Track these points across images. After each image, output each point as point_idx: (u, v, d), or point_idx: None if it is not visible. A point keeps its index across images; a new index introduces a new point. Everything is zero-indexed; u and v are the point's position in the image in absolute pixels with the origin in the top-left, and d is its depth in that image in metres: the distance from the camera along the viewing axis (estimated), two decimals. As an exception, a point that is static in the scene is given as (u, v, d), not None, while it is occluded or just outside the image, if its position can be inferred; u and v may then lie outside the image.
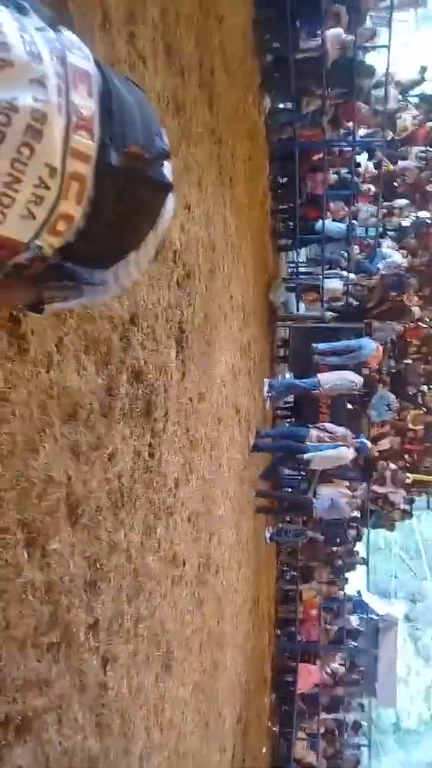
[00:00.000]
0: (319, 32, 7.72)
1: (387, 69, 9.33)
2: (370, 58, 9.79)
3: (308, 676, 10.90)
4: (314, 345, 9.18)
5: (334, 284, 10.23)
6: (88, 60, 1.06)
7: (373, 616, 14.77)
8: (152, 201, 1.19)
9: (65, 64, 1.01)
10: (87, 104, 1.01)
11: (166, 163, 1.20)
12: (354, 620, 12.93)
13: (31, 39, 0.97)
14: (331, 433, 8.11)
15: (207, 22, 4.94)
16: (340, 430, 8.22)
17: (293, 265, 11.32)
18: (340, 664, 11.94)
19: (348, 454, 7.92)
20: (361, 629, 13.27)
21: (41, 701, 2.40)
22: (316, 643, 11.03)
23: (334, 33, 7.84)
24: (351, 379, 8.67)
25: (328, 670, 11.52)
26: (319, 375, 8.78)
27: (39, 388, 2.41)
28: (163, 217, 1.24)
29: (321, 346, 9.19)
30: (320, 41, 7.72)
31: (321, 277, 10.13)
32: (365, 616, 13.49)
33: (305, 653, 11.22)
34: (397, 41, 9.68)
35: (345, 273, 10.11)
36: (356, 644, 12.69)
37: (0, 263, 1.08)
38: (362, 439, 8.45)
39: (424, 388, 11.10)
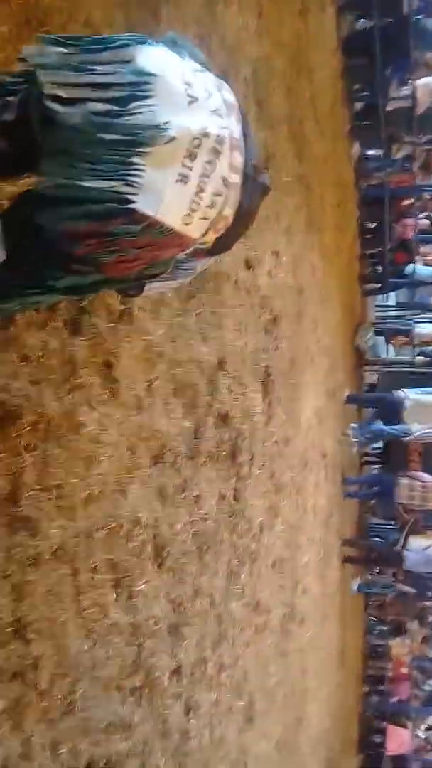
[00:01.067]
0: (409, 80, 7.75)
1: None
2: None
3: (398, 740, 10.32)
4: (401, 392, 8.89)
5: (426, 329, 9.99)
6: (231, 93, 1.32)
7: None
8: (260, 203, 1.45)
9: (223, 98, 1.27)
10: (237, 129, 1.28)
11: None
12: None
13: (202, 79, 1.25)
14: (423, 482, 7.81)
15: (297, 75, 5.07)
16: None
17: (382, 309, 11.15)
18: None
19: None
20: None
21: (125, 745, 2.40)
22: (406, 703, 10.45)
23: (425, 81, 7.84)
24: None
25: (420, 734, 10.86)
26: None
27: (129, 430, 2.47)
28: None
29: (410, 392, 8.91)
30: (410, 89, 7.74)
31: (411, 321, 9.92)
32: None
33: (394, 714, 10.65)
34: None
35: None
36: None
37: (170, 260, 1.31)
38: None
39: None
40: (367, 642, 11.00)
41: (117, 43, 1.23)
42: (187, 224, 1.22)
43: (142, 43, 1.24)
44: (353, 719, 9.56)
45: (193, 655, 3.06)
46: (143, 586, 2.57)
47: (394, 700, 10.47)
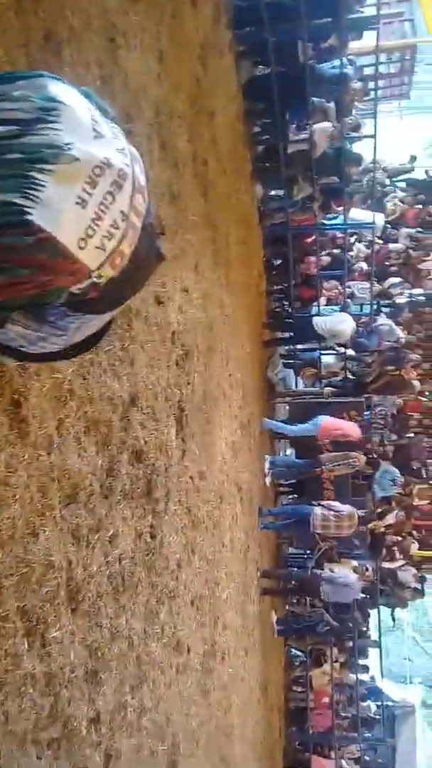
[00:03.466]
0: (307, 125, 8.11)
1: (374, 157, 9.77)
2: (357, 147, 10.26)
3: (322, 771, 10.30)
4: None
5: (331, 359, 10.32)
6: (134, 149, 1.36)
7: (389, 703, 14.06)
8: (151, 269, 1.44)
9: (128, 146, 1.31)
10: (142, 178, 1.32)
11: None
12: (369, 708, 12.33)
13: (109, 125, 1.30)
14: (336, 511, 8.01)
15: (199, 117, 5.22)
16: (346, 508, 8.12)
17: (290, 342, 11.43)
18: (356, 757, 11.30)
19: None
20: (377, 717, 12.62)
21: (41, 803, 2.28)
22: (329, 733, 10.48)
23: (322, 126, 8.23)
24: (353, 455, 8.60)
25: (343, 764, 10.89)
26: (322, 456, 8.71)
27: (40, 470, 2.41)
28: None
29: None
30: (308, 133, 8.10)
31: (318, 353, 10.23)
32: (380, 703, 12.83)
33: (318, 745, 10.64)
34: (382, 130, 10.14)
35: (342, 349, 10.18)
36: (372, 734, 12.04)
37: (63, 288, 1.27)
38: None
39: (429, 461, 11.01)
40: (288, 674, 11.01)
41: (32, 75, 1.27)
42: (82, 248, 1.22)
43: (57, 80, 1.28)
44: (278, 753, 9.48)
45: (113, 700, 2.97)
46: (57, 632, 2.48)
47: (317, 730, 10.48)
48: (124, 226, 1.26)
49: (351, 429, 8.76)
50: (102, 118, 1.30)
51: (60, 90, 1.24)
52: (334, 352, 10.38)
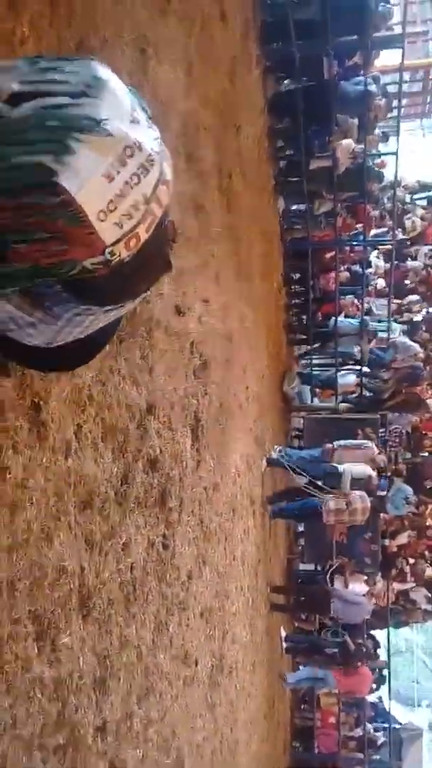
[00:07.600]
0: (330, 141, 8.14)
1: (395, 174, 9.79)
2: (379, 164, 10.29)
3: (327, 793, 10.16)
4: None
5: (348, 379, 10.24)
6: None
7: (396, 726, 13.86)
8: (156, 272, 1.45)
9: (162, 144, 1.35)
10: (169, 172, 1.35)
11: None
12: (376, 729, 12.15)
13: (148, 119, 1.36)
14: (349, 497, 7.91)
15: (225, 131, 5.26)
16: (357, 492, 8.00)
17: (307, 357, 11.38)
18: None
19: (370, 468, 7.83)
20: (384, 739, 12.43)
21: (46, 810, 2.26)
22: (334, 754, 10.34)
23: (345, 144, 8.27)
24: (367, 472, 8.45)
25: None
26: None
27: (57, 475, 2.41)
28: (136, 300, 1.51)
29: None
30: (331, 150, 8.13)
31: (335, 373, 10.14)
32: (387, 725, 12.65)
33: (323, 764, 10.50)
34: (404, 148, 10.18)
35: (358, 367, 10.14)
36: (378, 756, 11.86)
37: (77, 261, 1.29)
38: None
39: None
40: (296, 691, 10.89)
41: (84, 58, 1.36)
42: (101, 221, 1.24)
43: (105, 67, 1.35)
44: (282, 772, 9.37)
45: (119, 710, 2.95)
46: (67, 638, 2.47)
47: (322, 751, 10.35)
48: (144, 209, 1.29)
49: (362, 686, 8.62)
50: (140, 109, 1.35)
51: (107, 74, 1.31)
52: (351, 371, 10.30)
